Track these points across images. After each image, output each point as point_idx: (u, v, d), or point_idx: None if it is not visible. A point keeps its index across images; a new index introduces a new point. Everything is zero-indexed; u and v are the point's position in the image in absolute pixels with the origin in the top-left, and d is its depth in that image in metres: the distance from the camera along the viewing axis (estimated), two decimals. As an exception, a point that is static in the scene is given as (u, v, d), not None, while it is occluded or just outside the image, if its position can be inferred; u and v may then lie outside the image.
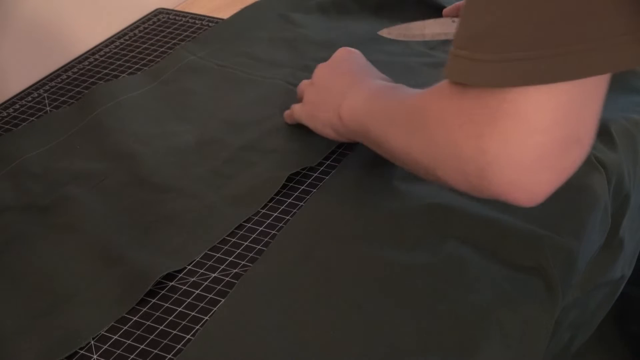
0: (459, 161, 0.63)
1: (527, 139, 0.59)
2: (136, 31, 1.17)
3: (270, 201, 0.83)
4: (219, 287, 0.75)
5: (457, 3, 0.95)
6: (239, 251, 0.78)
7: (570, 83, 0.58)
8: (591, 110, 0.61)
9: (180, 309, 0.73)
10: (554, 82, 0.57)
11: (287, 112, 0.93)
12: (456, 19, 0.94)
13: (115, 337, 0.71)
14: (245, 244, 0.79)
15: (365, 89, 0.82)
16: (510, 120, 0.59)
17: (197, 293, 0.74)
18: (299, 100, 0.92)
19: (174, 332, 0.71)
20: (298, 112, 0.90)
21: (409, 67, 1.01)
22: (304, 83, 0.92)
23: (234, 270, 0.76)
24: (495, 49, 0.58)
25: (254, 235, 0.80)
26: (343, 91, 0.83)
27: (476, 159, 0.61)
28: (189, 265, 0.77)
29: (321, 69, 0.90)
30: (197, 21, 1.18)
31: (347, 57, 0.89)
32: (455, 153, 0.63)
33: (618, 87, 0.94)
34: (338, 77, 0.86)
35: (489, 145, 0.60)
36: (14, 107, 1.02)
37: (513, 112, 0.59)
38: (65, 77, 1.08)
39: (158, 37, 1.15)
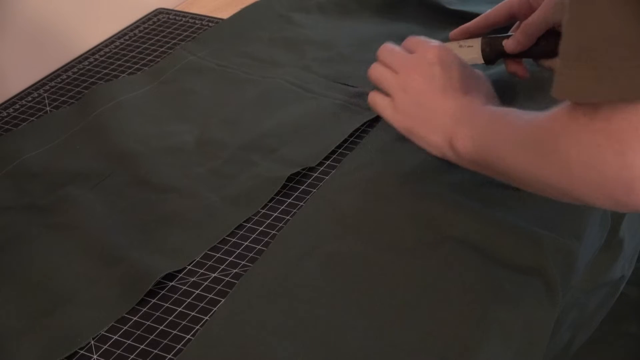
0: (602, 181, 0.62)
1: None
2: (136, 31, 1.17)
3: (270, 201, 0.83)
4: (219, 287, 0.75)
5: (464, 26, 0.93)
6: (239, 251, 0.78)
7: None
8: None
9: (180, 309, 0.73)
10: None
11: (370, 100, 0.85)
12: (463, 43, 0.92)
13: (115, 337, 0.71)
14: (245, 244, 0.79)
15: (480, 116, 0.77)
16: None
17: (197, 293, 0.74)
18: (373, 83, 0.85)
19: (174, 332, 0.71)
20: (387, 113, 0.83)
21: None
22: (388, 76, 0.83)
23: (234, 270, 0.76)
24: (624, 57, 0.57)
25: (254, 235, 0.80)
26: (452, 115, 0.78)
27: (621, 177, 0.60)
28: (189, 265, 0.77)
29: (412, 73, 0.82)
30: (197, 21, 1.18)
31: (443, 63, 0.82)
32: (596, 174, 0.62)
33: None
34: (440, 93, 0.80)
35: (633, 160, 0.59)
36: (14, 107, 1.02)
37: None
38: (65, 77, 1.08)
39: (158, 37, 1.15)
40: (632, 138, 0.59)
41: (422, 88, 0.81)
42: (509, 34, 0.91)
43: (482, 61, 0.91)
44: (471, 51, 0.91)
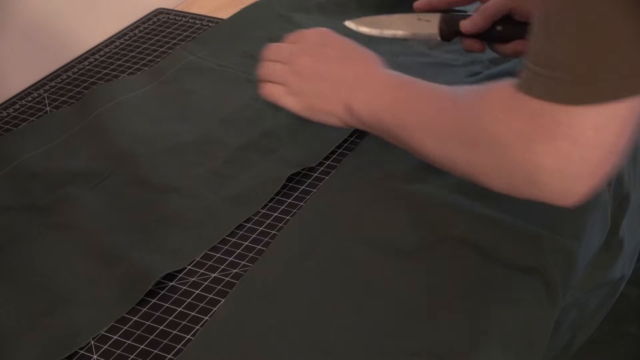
0: (509, 169, 0.66)
1: (582, 156, 0.62)
2: (136, 31, 1.17)
3: (270, 201, 0.83)
4: (219, 287, 0.75)
5: None
6: (239, 251, 0.78)
7: (625, 102, 0.61)
8: (635, 123, 0.64)
9: (180, 309, 0.73)
10: (617, 100, 0.60)
11: (264, 92, 0.87)
12: (422, 17, 0.94)
13: (115, 337, 0.71)
14: (245, 244, 0.79)
15: (377, 80, 0.79)
16: (568, 139, 0.62)
17: (197, 293, 0.74)
18: (265, 80, 0.87)
19: (174, 332, 0.71)
20: (284, 99, 0.85)
21: (408, 67, 1.01)
22: (277, 69, 0.85)
23: (234, 270, 0.76)
24: (573, 70, 0.60)
25: (254, 235, 0.80)
26: (346, 82, 0.81)
27: (528, 170, 0.64)
28: (189, 265, 0.77)
29: (300, 57, 0.84)
30: (197, 21, 1.18)
31: (326, 40, 0.85)
32: (506, 162, 0.65)
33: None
34: (330, 65, 0.83)
35: (544, 160, 0.63)
36: (14, 107, 1.02)
37: (572, 130, 0.62)
38: (65, 77, 1.08)
39: (158, 37, 1.15)
40: (546, 138, 0.63)
41: (313, 66, 0.83)
42: (468, 13, 0.93)
43: (439, 37, 0.93)
44: (429, 26, 0.93)
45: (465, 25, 0.91)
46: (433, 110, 0.73)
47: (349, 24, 0.96)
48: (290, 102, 0.85)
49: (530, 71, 0.63)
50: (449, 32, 0.93)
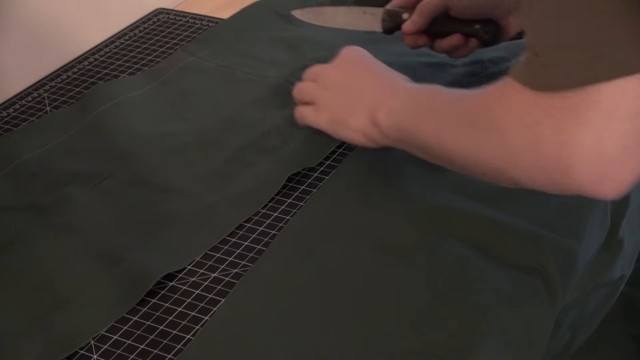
0: (539, 159, 0.61)
1: (611, 128, 0.58)
2: (136, 31, 1.17)
3: (270, 201, 0.83)
4: (219, 287, 0.75)
5: None
6: (239, 251, 0.78)
7: None
8: None
9: (180, 309, 0.73)
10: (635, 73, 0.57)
11: (297, 115, 0.89)
12: (367, 10, 0.95)
13: (115, 337, 0.71)
14: (245, 244, 0.79)
15: (402, 92, 0.78)
16: (593, 111, 0.58)
17: (197, 293, 0.74)
18: (298, 102, 0.89)
19: (174, 332, 0.71)
20: (313, 117, 0.85)
21: (409, 67, 1.01)
22: (307, 86, 0.88)
23: (234, 270, 0.76)
24: (581, 49, 0.58)
25: (254, 235, 0.80)
26: (372, 95, 0.80)
27: (559, 155, 0.60)
28: (189, 265, 0.77)
29: (329, 71, 0.86)
30: (197, 21, 1.18)
31: (357, 57, 0.86)
32: (533, 151, 0.61)
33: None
34: (358, 79, 0.83)
35: (572, 139, 0.59)
36: (14, 107, 1.02)
37: (597, 103, 0.58)
38: (65, 77, 1.08)
39: (158, 37, 1.15)
40: (571, 116, 0.59)
41: (340, 79, 0.84)
42: (410, 10, 0.95)
43: (381, 30, 0.96)
44: (372, 19, 0.95)
45: (406, 26, 0.93)
46: (461, 114, 0.70)
47: (295, 12, 0.99)
48: (317, 118, 0.85)
49: (536, 64, 0.61)
50: (392, 26, 0.95)
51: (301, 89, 0.88)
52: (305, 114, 0.87)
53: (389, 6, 0.96)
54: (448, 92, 0.74)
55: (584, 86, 0.58)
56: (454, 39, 0.93)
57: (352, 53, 0.86)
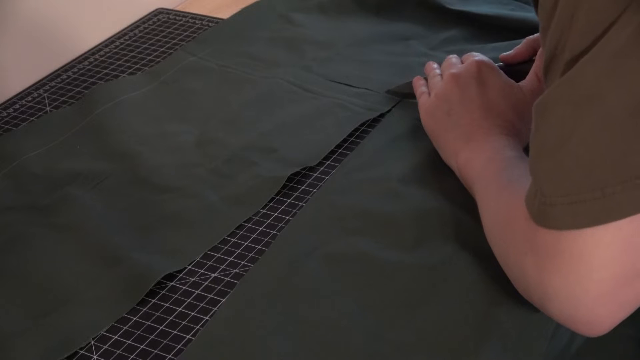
0: (525, 283, 0.65)
1: (585, 278, 0.59)
2: (136, 31, 1.17)
3: (270, 201, 0.84)
4: (219, 287, 0.75)
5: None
6: (239, 251, 0.78)
7: (629, 218, 0.58)
8: None
9: (180, 309, 0.73)
10: (615, 220, 0.57)
11: (421, 90, 0.88)
12: None
13: (115, 337, 0.71)
14: (245, 244, 0.79)
15: (485, 148, 0.77)
16: (568, 259, 0.60)
17: (197, 293, 0.74)
18: (429, 86, 0.88)
19: (174, 332, 0.71)
20: (424, 115, 0.86)
21: (409, 67, 1.01)
22: (436, 81, 0.87)
23: (234, 270, 0.76)
24: (563, 192, 0.58)
25: (254, 235, 0.80)
26: (467, 134, 0.80)
27: (539, 289, 0.63)
28: (189, 265, 0.77)
29: (452, 82, 0.84)
30: (197, 21, 1.18)
31: (481, 78, 0.83)
32: (522, 275, 0.65)
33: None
34: (467, 110, 0.81)
35: (549, 280, 0.61)
36: (14, 107, 1.02)
37: (571, 251, 0.59)
38: (65, 77, 1.08)
39: (158, 37, 1.15)
40: (549, 258, 0.61)
41: (456, 98, 0.83)
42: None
43: None
44: None
45: (506, 55, 0.89)
46: (496, 198, 0.71)
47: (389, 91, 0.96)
48: (422, 115, 0.86)
49: (538, 199, 0.61)
50: None
51: (432, 78, 0.88)
52: (420, 103, 0.87)
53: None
54: (513, 171, 0.73)
55: (562, 230, 0.59)
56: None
57: (477, 70, 0.84)
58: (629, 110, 0.55)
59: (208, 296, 0.74)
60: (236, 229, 0.81)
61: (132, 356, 0.69)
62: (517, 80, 0.85)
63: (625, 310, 0.61)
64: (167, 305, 0.73)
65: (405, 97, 0.94)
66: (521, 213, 0.63)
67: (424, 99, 0.87)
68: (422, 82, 0.90)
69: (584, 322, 0.62)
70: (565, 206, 0.58)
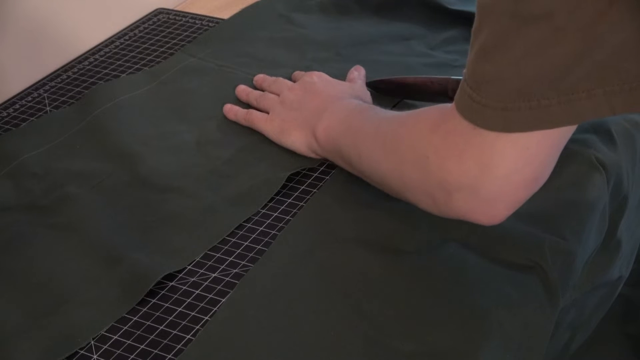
0: (428, 186, 0.69)
1: (490, 182, 0.65)
2: (136, 31, 1.17)
3: (270, 201, 0.84)
4: (219, 287, 0.75)
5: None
6: (239, 251, 0.78)
7: (542, 132, 0.63)
8: (554, 155, 0.67)
9: (180, 309, 0.73)
10: (546, 129, 0.62)
11: (241, 114, 0.94)
12: (434, 80, 0.93)
13: (115, 337, 0.71)
14: (245, 244, 0.79)
15: (340, 110, 0.84)
16: (478, 162, 0.64)
17: (197, 293, 0.74)
18: (255, 106, 0.94)
19: (174, 332, 0.71)
20: (262, 123, 0.91)
21: (409, 67, 1.01)
22: (270, 97, 0.93)
23: (234, 270, 0.76)
24: (493, 96, 0.62)
25: (254, 235, 0.80)
26: (317, 112, 0.86)
27: (443, 188, 0.68)
28: (189, 265, 0.77)
29: (292, 91, 0.91)
30: (197, 21, 1.18)
31: (318, 82, 0.91)
32: (424, 178, 0.69)
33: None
34: (309, 99, 0.89)
35: (455, 179, 0.66)
36: (14, 107, 1.02)
37: (485, 150, 0.64)
38: (65, 77, 1.08)
39: (158, 37, 1.15)
40: (458, 158, 0.66)
41: (298, 100, 0.90)
42: None
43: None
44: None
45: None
46: (378, 134, 0.76)
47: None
48: (266, 126, 0.91)
49: (462, 89, 0.65)
50: None
51: (264, 98, 0.94)
52: (258, 119, 0.92)
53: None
54: (376, 113, 0.80)
55: (494, 131, 0.63)
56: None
57: (318, 76, 0.92)
58: (576, 30, 0.58)
59: (208, 296, 0.74)
60: (236, 229, 0.81)
61: (132, 356, 0.69)
62: None
63: (517, 206, 0.68)
64: (167, 305, 0.73)
65: (379, 91, 0.96)
66: (419, 121, 0.70)
67: (259, 114, 0.92)
68: (237, 108, 0.96)
69: (483, 215, 0.68)
70: (498, 111, 0.62)
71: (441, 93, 0.88)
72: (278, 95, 0.93)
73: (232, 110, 0.95)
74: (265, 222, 0.81)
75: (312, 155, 0.87)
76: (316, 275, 0.74)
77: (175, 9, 1.23)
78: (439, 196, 0.69)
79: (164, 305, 0.73)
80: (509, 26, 0.61)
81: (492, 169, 0.65)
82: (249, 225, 0.81)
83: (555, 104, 0.61)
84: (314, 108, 0.87)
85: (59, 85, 1.06)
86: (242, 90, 0.98)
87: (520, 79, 0.61)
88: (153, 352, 0.69)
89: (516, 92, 0.61)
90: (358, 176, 0.82)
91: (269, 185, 0.85)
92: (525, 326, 0.70)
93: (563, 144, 0.67)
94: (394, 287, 0.72)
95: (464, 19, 1.09)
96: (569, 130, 0.66)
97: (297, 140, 0.87)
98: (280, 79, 0.96)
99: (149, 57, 1.10)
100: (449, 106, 0.68)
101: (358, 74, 0.96)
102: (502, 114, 0.62)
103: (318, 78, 0.92)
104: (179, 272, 0.77)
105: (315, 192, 0.84)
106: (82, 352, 0.70)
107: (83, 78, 1.07)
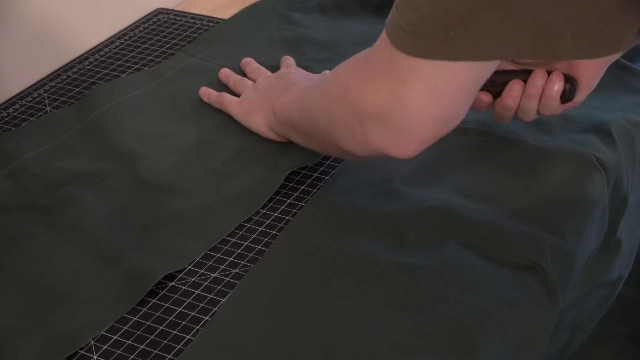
0: (347, 117, 0.71)
1: (399, 113, 0.67)
2: (136, 31, 1.17)
3: (270, 201, 0.84)
4: (219, 287, 0.75)
5: None
6: (239, 251, 0.78)
7: (451, 73, 0.64)
8: (463, 99, 0.67)
9: (180, 309, 0.73)
10: (448, 60, 0.63)
11: (213, 96, 0.97)
12: None
13: (115, 337, 0.71)
14: (245, 244, 0.79)
15: (299, 89, 0.86)
16: (396, 84, 0.66)
17: (197, 293, 0.74)
18: (230, 88, 0.98)
19: (174, 332, 0.71)
20: (232, 106, 0.94)
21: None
22: (246, 83, 0.97)
23: (234, 270, 0.76)
24: (407, 17, 0.64)
25: (254, 235, 0.80)
26: (279, 93, 0.88)
27: (357, 117, 0.70)
28: (189, 265, 0.77)
29: (267, 80, 0.95)
30: (197, 21, 1.18)
31: (290, 74, 0.94)
32: (344, 109, 0.71)
33: (618, 87, 0.95)
34: (279, 89, 0.91)
35: (367, 106, 0.68)
36: (14, 107, 1.03)
37: (403, 76, 0.65)
38: (65, 77, 1.08)
39: (158, 37, 1.15)
40: (380, 69, 0.67)
41: (270, 84, 0.93)
42: None
43: None
44: None
45: None
46: (319, 85, 0.79)
47: None
48: (236, 109, 0.94)
49: (392, 15, 0.66)
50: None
51: (241, 83, 0.98)
52: (228, 101, 0.95)
53: None
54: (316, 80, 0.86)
55: (405, 53, 0.65)
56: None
57: (293, 70, 0.97)
58: None
59: (208, 296, 0.74)
60: (236, 229, 0.81)
61: (132, 356, 0.69)
62: None
63: (427, 145, 0.69)
64: (167, 305, 0.73)
65: None
66: (353, 57, 0.73)
67: (230, 97, 0.96)
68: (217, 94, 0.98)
69: (393, 146, 0.69)
70: (408, 33, 0.64)
71: None
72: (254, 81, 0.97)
73: (206, 93, 0.98)
74: (265, 222, 0.81)
75: (272, 135, 0.90)
76: (316, 275, 0.74)
77: (175, 9, 1.23)
78: (356, 127, 0.70)
79: (164, 306, 0.73)
80: None
81: (402, 101, 0.66)
82: (249, 225, 0.81)
83: (461, 37, 0.62)
84: (277, 90, 0.90)
85: (59, 85, 1.06)
86: (224, 72, 1.01)
87: (433, 7, 0.62)
88: (153, 352, 0.69)
89: (429, 19, 0.62)
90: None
91: (269, 185, 0.85)
92: (525, 326, 0.70)
93: (474, 90, 0.68)
94: (395, 287, 0.72)
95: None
96: (479, 77, 0.67)
97: (260, 120, 0.90)
98: (263, 68, 1.00)
99: (149, 57, 1.10)
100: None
101: None
102: (410, 37, 0.63)
103: (295, 70, 0.96)
104: (179, 272, 0.77)
105: (315, 192, 0.84)
106: (82, 352, 0.70)
107: (83, 78, 1.07)
